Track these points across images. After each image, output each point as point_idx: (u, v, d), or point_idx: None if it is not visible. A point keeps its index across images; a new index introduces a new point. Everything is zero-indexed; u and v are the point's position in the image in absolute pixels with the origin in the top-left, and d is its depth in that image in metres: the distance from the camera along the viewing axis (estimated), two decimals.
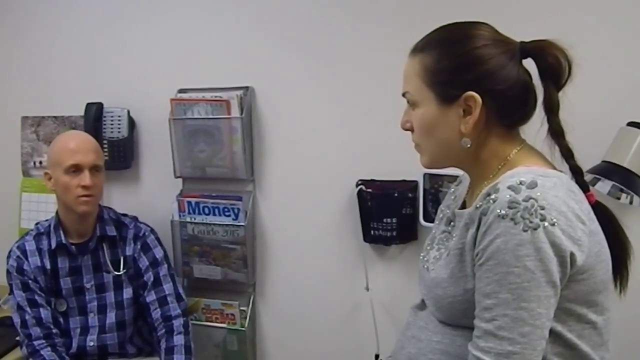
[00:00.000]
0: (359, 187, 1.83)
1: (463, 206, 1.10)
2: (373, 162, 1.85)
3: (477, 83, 0.96)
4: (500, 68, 0.96)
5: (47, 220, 1.88)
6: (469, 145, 1.00)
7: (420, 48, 1.02)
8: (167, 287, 1.85)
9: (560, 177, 0.95)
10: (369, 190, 1.82)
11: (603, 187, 1.54)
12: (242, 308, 2.02)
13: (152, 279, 1.84)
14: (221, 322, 2.04)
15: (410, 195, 1.79)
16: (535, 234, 0.85)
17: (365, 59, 1.82)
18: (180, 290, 1.89)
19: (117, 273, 1.84)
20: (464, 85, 0.97)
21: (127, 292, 1.84)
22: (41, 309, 1.77)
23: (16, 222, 2.30)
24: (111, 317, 1.83)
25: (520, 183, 0.89)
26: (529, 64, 1.00)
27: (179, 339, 1.79)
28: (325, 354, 1.99)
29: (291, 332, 2.04)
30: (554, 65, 0.98)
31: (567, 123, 1.00)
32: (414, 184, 1.78)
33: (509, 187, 0.89)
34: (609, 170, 1.52)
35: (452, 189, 1.22)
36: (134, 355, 1.88)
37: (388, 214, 1.80)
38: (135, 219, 1.94)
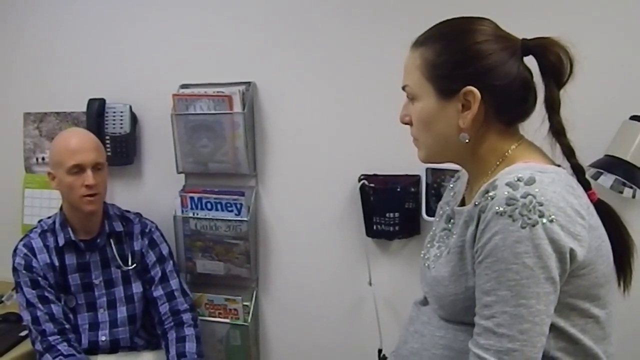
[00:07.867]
0: (362, 181, 1.83)
1: (462, 203, 1.10)
2: (375, 156, 1.85)
3: (476, 78, 0.96)
4: (500, 64, 0.96)
5: (50, 217, 1.88)
6: (467, 141, 0.99)
7: (421, 42, 1.02)
8: (174, 283, 1.89)
9: (558, 172, 0.94)
10: (372, 184, 1.82)
11: (605, 181, 1.54)
12: (245, 303, 2.03)
13: (159, 274, 1.88)
14: (224, 318, 2.04)
15: (412, 189, 1.79)
16: (533, 230, 0.85)
17: (366, 54, 1.82)
18: (185, 286, 1.93)
19: (126, 268, 1.86)
20: (463, 80, 0.96)
21: (137, 287, 1.87)
22: (52, 305, 1.77)
23: (19, 219, 2.30)
24: (122, 311, 1.84)
25: (518, 180, 0.89)
26: (530, 61, 1.00)
27: (189, 330, 1.84)
28: (328, 348, 2.00)
29: (294, 327, 2.05)
30: (556, 63, 0.97)
31: (567, 121, 0.99)
32: (417, 178, 1.78)
33: (507, 184, 0.89)
34: (611, 164, 1.51)
35: (451, 185, 1.21)
36: (143, 348, 1.89)
37: (390, 208, 1.80)
38: (139, 215, 1.95)
